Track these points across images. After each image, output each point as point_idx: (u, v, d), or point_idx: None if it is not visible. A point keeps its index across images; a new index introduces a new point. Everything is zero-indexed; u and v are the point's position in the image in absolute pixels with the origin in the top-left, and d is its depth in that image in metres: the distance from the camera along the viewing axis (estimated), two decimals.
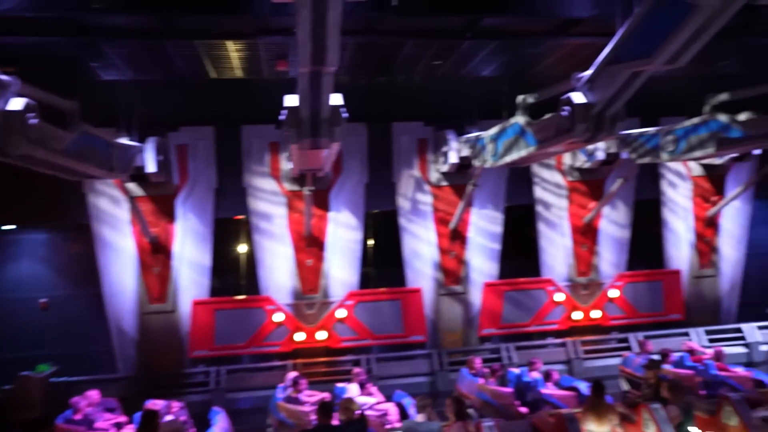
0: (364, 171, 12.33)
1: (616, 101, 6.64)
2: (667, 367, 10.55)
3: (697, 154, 9.28)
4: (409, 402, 9.46)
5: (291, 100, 6.54)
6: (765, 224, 15.88)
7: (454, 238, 12.61)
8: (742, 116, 8.69)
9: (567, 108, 6.93)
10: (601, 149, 11.93)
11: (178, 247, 11.83)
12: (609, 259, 13.36)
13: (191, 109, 11.62)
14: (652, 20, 5.28)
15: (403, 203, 12.56)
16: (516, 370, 10.73)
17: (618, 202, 13.23)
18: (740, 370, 10.82)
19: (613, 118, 6.89)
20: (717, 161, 12.89)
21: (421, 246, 12.65)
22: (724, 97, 8.91)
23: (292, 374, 10.14)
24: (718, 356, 10.90)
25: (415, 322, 12.48)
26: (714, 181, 13.62)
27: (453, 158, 11.57)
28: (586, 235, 13.15)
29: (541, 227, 13.10)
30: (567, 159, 12.94)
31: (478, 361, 10.68)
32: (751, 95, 8.71)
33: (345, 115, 6.99)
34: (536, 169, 12.95)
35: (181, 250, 11.85)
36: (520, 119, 8.29)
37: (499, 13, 8.05)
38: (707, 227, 13.69)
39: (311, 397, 9.94)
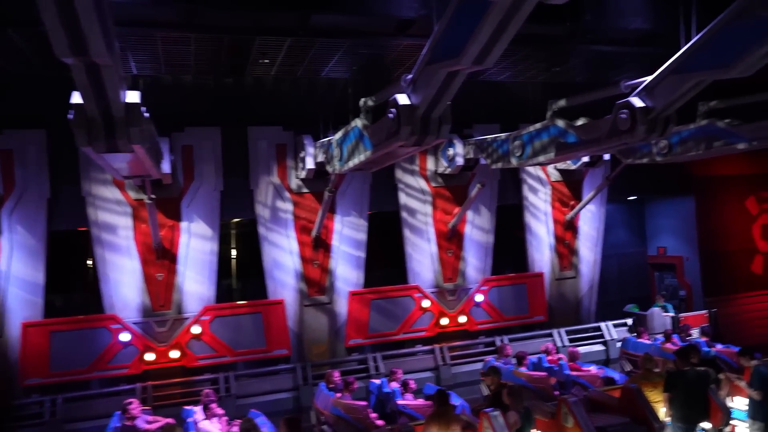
0: (218, 178, 11.64)
1: (438, 102, 6.52)
2: (522, 370, 10.69)
3: (541, 158, 9.39)
4: (263, 421, 8.90)
5: (76, 97, 5.89)
6: (619, 227, 16.86)
7: (317, 246, 12.19)
8: (579, 121, 8.85)
9: (393, 110, 6.75)
10: (460, 155, 11.99)
11: (3, 265, 10.60)
12: (475, 264, 13.47)
13: None
14: (459, 20, 5.31)
15: (262, 211, 11.97)
16: (377, 381, 10.44)
17: (481, 207, 13.38)
18: (592, 369, 11.19)
19: (440, 120, 6.77)
20: (572, 166, 13.37)
21: (282, 255, 12.11)
22: (562, 103, 9.10)
23: (129, 400, 9.25)
24: (573, 356, 11.20)
25: (277, 335, 11.92)
26: (571, 186, 14.14)
27: (310, 164, 11.16)
28: (451, 240, 13.18)
29: (407, 233, 12.96)
30: (430, 164, 12.92)
31: (336, 375, 10.25)
32: (588, 101, 8.88)
33: (146, 115, 6.51)
34: (400, 174, 12.83)
35: (7, 268, 10.63)
36: (358, 122, 8.08)
37: (329, 11, 7.78)
38: (566, 231, 14.17)
39: (153, 423, 9.10)
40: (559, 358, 11.34)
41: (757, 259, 16.08)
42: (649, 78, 7.32)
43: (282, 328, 11.94)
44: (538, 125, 9.35)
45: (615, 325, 14.10)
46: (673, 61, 6.83)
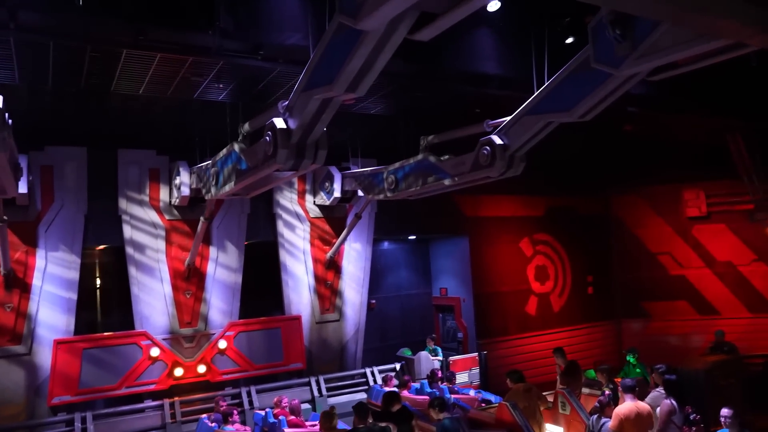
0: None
1: (313, 128, 6.74)
2: (405, 393, 10.68)
3: (412, 191, 10.17)
4: None
5: None
6: (403, 267, 16.40)
7: (11, 286, 10.28)
8: (445, 157, 9.52)
9: (269, 133, 6.91)
10: (337, 188, 12.27)
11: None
12: (220, 306, 12.13)
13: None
14: (334, 48, 5.70)
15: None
16: (262, 412, 10.41)
17: (228, 244, 12.18)
18: (471, 393, 11.69)
19: (316, 145, 6.97)
20: (327, 202, 12.67)
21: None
22: (432, 138, 9.79)
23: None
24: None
25: None
26: (333, 223, 13.35)
27: (185, 191, 10.87)
28: (190, 280, 11.79)
29: (132, 272, 11.39)
30: (164, 195, 11.56)
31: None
32: (455, 137, 9.46)
33: (9, 121, 6.26)
34: (126, 205, 11.32)
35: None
36: (236, 146, 8.08)
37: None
38: (328, 270, 13.29)
39: None
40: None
41: (531, 300, 16.19)
42: (507, 118, 8.30)
43: None
44: (410, 160, 10.10)
45: (381, 371, 13.37)
46: (526, 105, 7.88)
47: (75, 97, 9.56)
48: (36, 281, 10.52)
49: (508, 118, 8.32)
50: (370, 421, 7.27)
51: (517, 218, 16.10)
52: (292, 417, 9.86)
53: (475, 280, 15.27)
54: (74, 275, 10.85)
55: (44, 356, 10.57)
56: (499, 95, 10.36)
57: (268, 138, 6.91)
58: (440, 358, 13.86)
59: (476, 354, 14.23)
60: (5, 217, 8.95)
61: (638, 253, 17.26)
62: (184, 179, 10.82)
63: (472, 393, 11.77)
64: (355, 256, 13.64)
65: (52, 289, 10.65)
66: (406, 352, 14.30)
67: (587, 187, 17.23)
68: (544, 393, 9.10)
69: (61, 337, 10.66)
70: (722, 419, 6.55)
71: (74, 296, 10.85)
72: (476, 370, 13.86)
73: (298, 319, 12.88)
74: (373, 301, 15.25)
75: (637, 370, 11.41)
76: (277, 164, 6.88)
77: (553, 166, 15.41)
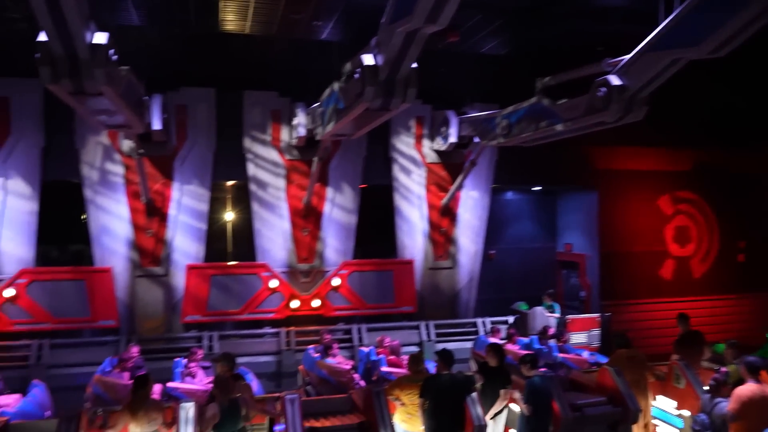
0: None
1: (401, 64, 6.64)
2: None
3: (525, 136, 9.57)
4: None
5: (42, 35, 6.16)
6: (527, 219, 15.74)
7: (152, 214, 11.44)
8: (563, 100, 8.80)
9: (358, 71, 6.89)
10: (453, 132, 11.93)
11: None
12: (335, 245, 12.57)
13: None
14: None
15: (89, 173, 11.25)
16: (366, 349, 10.47)
17: (344, 185, 12.46)
18: (584, 355, 11.09)
19: (405, 83, 6.86)
20: (443, 147, 12.43)
21: (113, 221, 11.39)
22: (548, 80, 9.02)
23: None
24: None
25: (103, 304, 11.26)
26: (450, 169, 13.07)
27: (301, 131, 11.23)
28: (307, 219, 12.29)
29: (256, 208, 12.10)
30: (285, 135, 12.02)
31: (327, 337, 10.41)
32: (573, 78, 8.67)
33: (114, 58, 6.65)
34: (249, 144, 11.95)
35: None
36: (335, 85, 8.17)
37: None
38: (443, 217, 13.14)
39: None
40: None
41: (667, 264, 14.81)
42: (628, 56, 7.45)
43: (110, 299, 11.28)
44: (524, 103, 9.47)
45: (493, 322, 13.11)
46: (649, 40, 7.02)
47: (204, 40, 10.11)
48: (172, 210, 11.58)
49: (628, 56, 7.44)
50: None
51: (657, 173, 14.61)
52: (392, 356, 10.07)
53: (603, 238, 14.25)
54: (204, 207, 11.78)
55: (179, 279, 11.73)
56: (623, 31, 9.25)
57: (356, 75, 6.82)
58: (557, 315, 13.27)
59: (598, 315, 13.44)
60: (142, 150, 9.87)
61: None
62: (300, 120, 11.13)
63: (585, 354, 11.17)
64: (471, 204, 13.32)
65: (186, 219, 11.69)
66: (522, 306, 13.86)
67: (745, 141, 15.10)
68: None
69: (192, 262, 11.73)
70: None
71: (204, 226, 11.82)
72: (596, 332, 13.10)
73: (410, 263, 12.97)
74: (493, 252, 14.89)
75: None
76: (365, 102, 6.74)
77: (706, 116, 13.71)
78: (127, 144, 11.08)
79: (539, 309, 13.21)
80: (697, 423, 7.27)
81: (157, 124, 10.07)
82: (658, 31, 6.87)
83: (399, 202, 12.91)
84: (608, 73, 7.78)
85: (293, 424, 6.53)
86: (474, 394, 7.11)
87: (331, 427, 7.09)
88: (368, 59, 6.70)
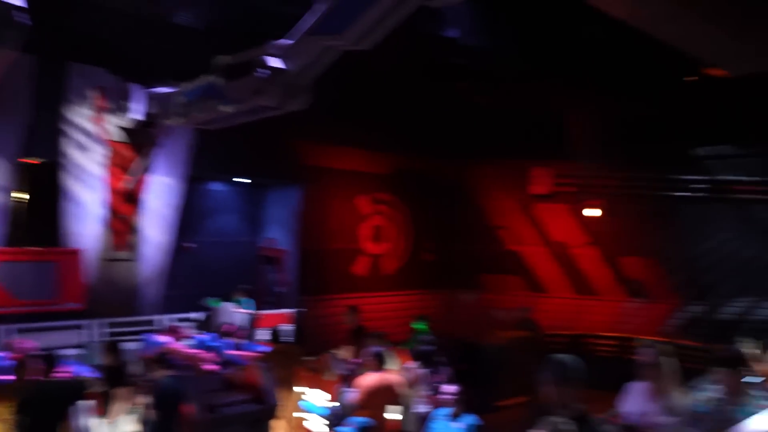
0: None
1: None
2: (177, 345, 9.53)
3: (202, 117, 9.23)
4: None
5: None
6: (233, 212, 15.19)
7: None
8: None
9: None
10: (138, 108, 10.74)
11: None
12: None
13: None
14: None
15: None
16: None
17: None
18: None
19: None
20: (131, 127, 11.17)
21: None
22: (228, 59, 8.27)
23: None
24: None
25: None
26: (140, 151, 11.79)
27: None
28: None
29: None
30: None
31: None
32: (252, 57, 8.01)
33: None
34: None
35: None
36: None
37: None
38: (126, 203, 11.80)
39: None
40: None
41: (361, 261, 15.51)
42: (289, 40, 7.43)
43: None
44: (200, 81, 8.92)
45: (180, 320, 12.15)
46: (305, 24, 7.03)
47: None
48: None
49: (289, 40, 7.30)
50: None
51: (359, 173, 15.24)
52: None
53: (303, 234, 14.33)
54: None
55: None
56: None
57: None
58: (248, 311, 12.86)
59: (291, 310, 13.42)
60: None
61: (479, 225, 16.97)
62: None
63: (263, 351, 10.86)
64: (162, 191, 12.20)
65: None
66: (212, 302, 13.17)
67: (442, 152, 16.52)
68: None
69: None
70: (445, 396, 5.96)
71: None
72: (285, 327, 13.02)
73: (76, 252, 11.31)
74: (190, 244, 13.95)
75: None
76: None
77: (408, 124, 14.56)
78: None
79: (228, 305, 12.67)
80: (331, 412, 7.36)
81: None
82: (313, 16, 6.82)
83: (69, 182, 11.16)
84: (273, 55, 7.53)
85: None
86: (86, 402, 6.16)
87: None
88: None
